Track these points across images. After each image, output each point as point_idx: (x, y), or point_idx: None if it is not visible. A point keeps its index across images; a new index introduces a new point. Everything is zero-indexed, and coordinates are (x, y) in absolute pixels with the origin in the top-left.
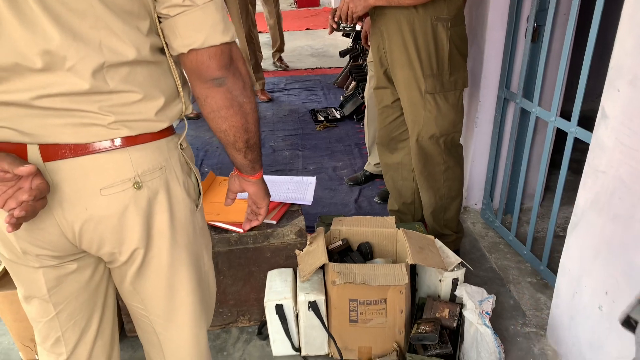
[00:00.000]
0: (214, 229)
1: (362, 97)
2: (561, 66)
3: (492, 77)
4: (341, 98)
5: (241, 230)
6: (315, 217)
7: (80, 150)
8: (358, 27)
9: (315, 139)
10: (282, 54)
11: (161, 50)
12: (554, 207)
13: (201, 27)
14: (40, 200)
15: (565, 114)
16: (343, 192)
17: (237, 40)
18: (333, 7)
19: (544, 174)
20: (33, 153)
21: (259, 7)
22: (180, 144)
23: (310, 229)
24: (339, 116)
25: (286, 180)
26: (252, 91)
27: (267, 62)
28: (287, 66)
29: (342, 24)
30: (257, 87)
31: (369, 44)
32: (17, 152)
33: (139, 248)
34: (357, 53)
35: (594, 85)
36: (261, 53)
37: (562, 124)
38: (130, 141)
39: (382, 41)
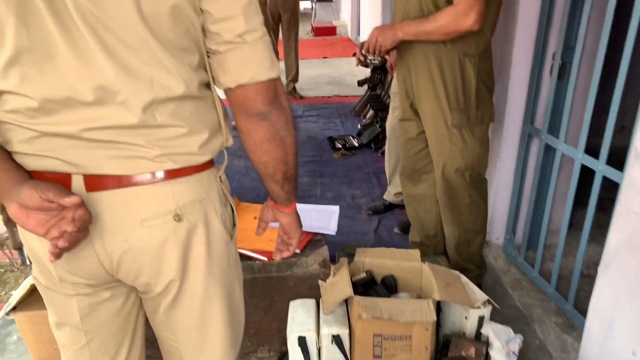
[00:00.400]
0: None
1: (381, 126)
2: (589, 103)
3: (516, 113)
4: (359, 126)
5: (265, 259)
6: (334, 246)
7: (123, 181)
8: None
9: (333, 166)
10: (296, 84)
11: (207, 85)
12: (580, 246)
13: (249, 64)
14: (82, 231)
15: (589, 148)
16: (362, 221)
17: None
18: (351, 37)
19: (569, 211)
20: (77, 183)
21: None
22: (220, 176)
23: (330, 257)
24: (357, 144)
25: (309, 208)
26: (293, 125)
27: None
28: (301, 97)
29: (369, 57)
30: None
31: (395, 75)
32: (61, 181)
33: (174, 280)
34: (375, 83)
35: (617, 119)
36: (281, 83)
37: (590, 162)
38: (173, 174)
39: (408, 74)
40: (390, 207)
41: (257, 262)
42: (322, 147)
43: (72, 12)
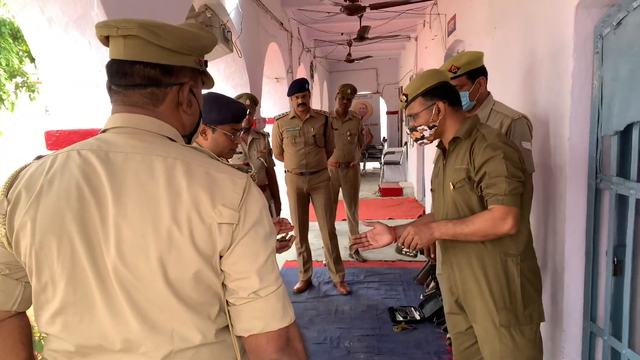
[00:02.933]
0: None
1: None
2: None
3: (574, 307)
4: (421, 297)
5: None
6: None
7: None
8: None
9: (392, 341)
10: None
11: (226, 327)
12: None
13: (262, 316)
14: None
15: None
16: None
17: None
18: (417, 198)
19: None
20: None
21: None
22: None
23: None
24: (418, 317)
25: None
26: None
27: (343, 253)
28: (364, 260)
29: (404, 249)
30: (337, 280)
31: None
32: None
33: None
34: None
35: None
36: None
37: None
38: None
39: (452, 272)
40: None
41: None
42: (382, 318)
43: (112, 277)
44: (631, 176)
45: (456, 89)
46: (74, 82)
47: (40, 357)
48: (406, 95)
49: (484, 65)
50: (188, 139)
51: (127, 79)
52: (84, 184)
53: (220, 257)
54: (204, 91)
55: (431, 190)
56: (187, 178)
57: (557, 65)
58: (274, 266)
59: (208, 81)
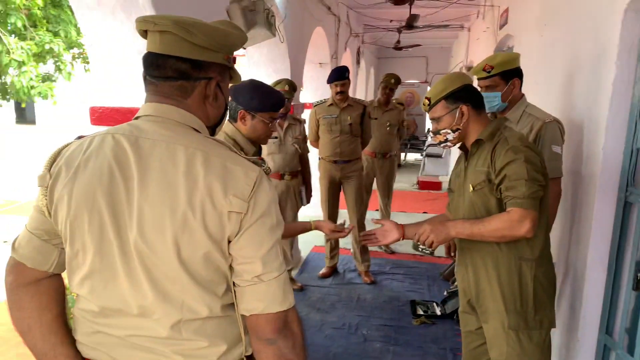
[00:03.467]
0: None
1: None
2: None
3: (591, 318)
4: (445, 293)
5: None
6: None
7: None
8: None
9: (410, 334)
10: None
11: (232, 305)
12: None
13: (263, 298)
14: None
15: None
16: None
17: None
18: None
19: None
20: None
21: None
22: None
23: None
24: (439, 313)
25: None
26: (302, 349)
27: None
28: (392, 251)
29: (420, 246)
30: (362, 269)
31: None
32: None
33: None
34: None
35: None
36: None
37: None
38: None
39: (466, 273)
40: None
41: None
42: (403, 310)
43: (133, 250)
44: None
45: (479, 91)
46: (118, 62)
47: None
48: (429, 99)
49: (519, 66)
50: (212, 130)
51: (160, 70)
52: (115, 165)
53: (229, 242)
54: (248, 77)
55: (449, 190)
56: (205, 168)
57: (599, 71)
58: (277, 255)
59: (235, 76)
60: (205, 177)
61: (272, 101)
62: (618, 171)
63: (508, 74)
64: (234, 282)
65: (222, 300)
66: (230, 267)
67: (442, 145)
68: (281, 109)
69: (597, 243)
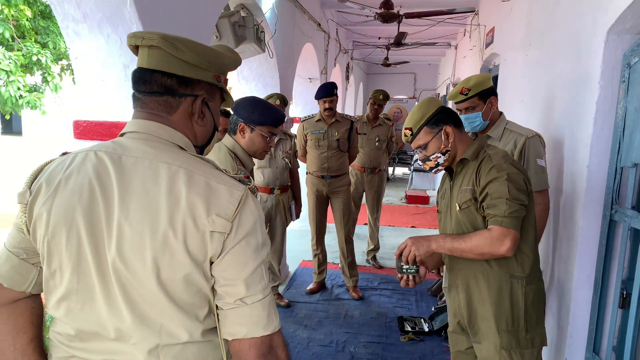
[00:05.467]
0: None
1: None
2: None
3: (578, 336)
4: (433, 309)
5: None
6: None
7: None
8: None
9: (398, 351)
10: (377, 252)
11: (214, 329)
12: None
13: (246, 322)
14: None
15: None
16: None
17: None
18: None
19: None
20: None
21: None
22: None
23: None
24: (427, 329)
25: None
26: None
27: (360, 257)
28: (380, 266)
29: (404, 266)
30: (350, 284)
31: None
32: None
33: None
34: None
35: None
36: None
37: None
38: None
39: (457, 293)
40: None
41: None
42: (391, 327)
43: (111, 271)
44: None
45: (454, 111)
46: (104, 76)
47: (46, 337)
48: (410, 129)
49: (493, 86)
50: (201, 150)
51: (147, 86)
52: (96, 183)
53: (211, 263)
54: (248, 94)
55: (437, 212)
56: (187, 186)
57: (582, 91)
58: (262, 276)
59: (228, 99)
60: (187, 196)
61: (273, 116)
62: (603, 189)
63: (485, 94)
64: (216, 305)
65: (203, 325)
66: (213, 290)
67: (434, 170)
68: (280, 126)
69: (583, 261)
